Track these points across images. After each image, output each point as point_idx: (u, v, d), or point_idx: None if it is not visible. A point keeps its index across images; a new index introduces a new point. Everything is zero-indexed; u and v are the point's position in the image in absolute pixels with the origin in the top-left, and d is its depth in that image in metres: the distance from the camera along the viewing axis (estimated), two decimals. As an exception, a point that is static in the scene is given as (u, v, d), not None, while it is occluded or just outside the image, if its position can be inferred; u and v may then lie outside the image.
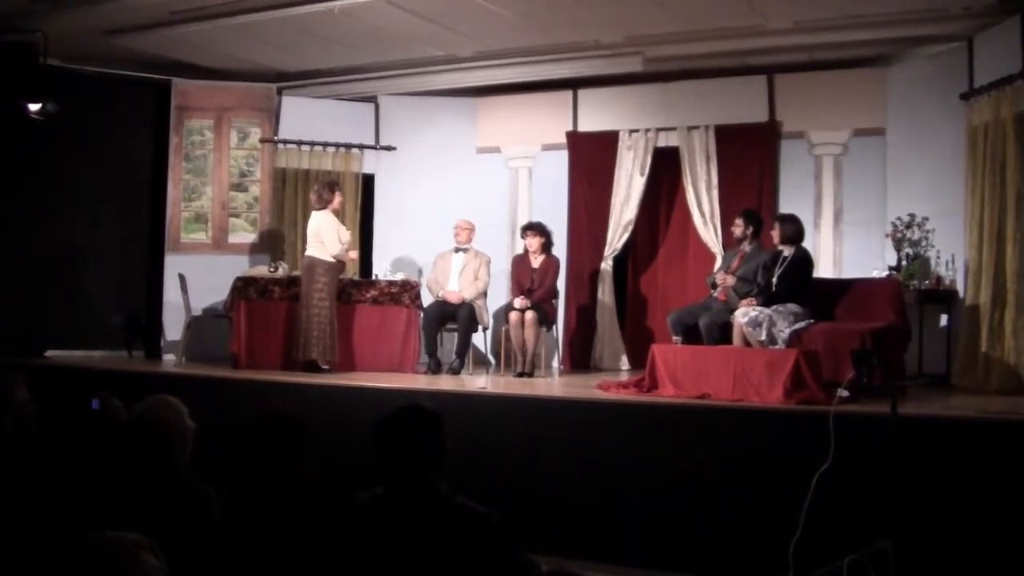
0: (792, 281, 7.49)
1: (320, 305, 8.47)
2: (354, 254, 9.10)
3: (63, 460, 3.40)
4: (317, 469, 3.32)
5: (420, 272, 9.91)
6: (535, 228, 9.10)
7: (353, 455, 3.84)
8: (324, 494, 3.19)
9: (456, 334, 8.98)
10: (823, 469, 5.41)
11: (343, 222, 9.06)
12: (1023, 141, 7.43)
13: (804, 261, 7.62)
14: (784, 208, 8.94)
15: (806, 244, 7.89)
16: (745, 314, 7.30)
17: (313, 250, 8.59)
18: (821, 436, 5.48)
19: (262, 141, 10.33)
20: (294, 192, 10.38)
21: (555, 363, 9.70)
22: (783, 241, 7.67)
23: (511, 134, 10.57)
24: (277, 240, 10.24)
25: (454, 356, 8.89)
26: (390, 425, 3.00)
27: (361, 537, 2.89)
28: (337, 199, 8.73)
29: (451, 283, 9.14)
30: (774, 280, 7.57)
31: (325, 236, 8.53)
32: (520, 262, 9.18)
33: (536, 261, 9.07)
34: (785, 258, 7.62)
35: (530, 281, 8.98)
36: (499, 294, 9.65)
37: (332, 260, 8.55)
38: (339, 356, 8.60)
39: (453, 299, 8.94)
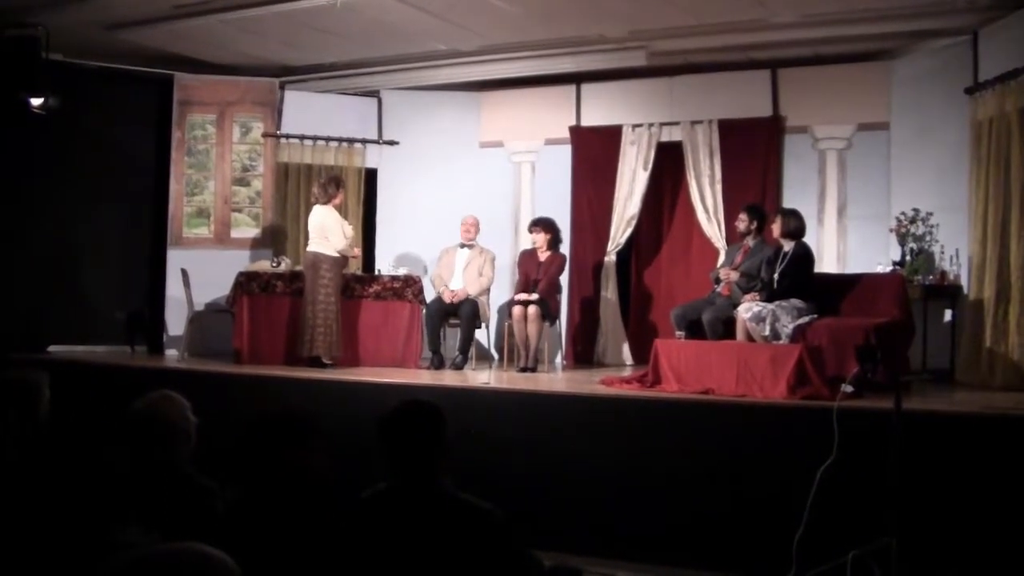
0: (793, 277, 7.47)
1: (326, 301, 8.47)
2: (358, 251, 9.07)
3: (73, 455, 3.41)
4: (326, 464, 3.33)
5: (425, 269, 9.91)
6: (542, 224, 9.09)
7: (356, 451, 3.85)
8: (330, 490, 3.19)
9: (459, 329, 8.98)
10: (827, 465, 5.42)
11: (345, 218, 9.05)
12: (1028, 136, 7.43)
13: (805, 256, 7.60)
14: (788, 203, 8.91)
15: (810, 239, 7.88)
16: (748, 309, 7.30)
17: (317, 245, 8.59)
18: (825, 432, 5.49)
19: (264, 136, 10.33)
20: (296, 187, 10.37)
21: (558, 358, 9.69)
22: (784, 235, 7.65)
23: (514, 128, 10.56)
24: (280, 235, 10.24)
25: (457, 352, 8.89)
26: (390, 421, 3.00)
27: (364, 533, 2.89)
28: (340, 195, 8.73)
29: (455, 279, 9.14)
30: (776, 276, 7.57)
31: (330, 231, 8.52)
32: (528, 257, 9.17)
33: (543, 256, 9.07)
34: (786, 254, 7.60)
35: (536, 274, 8.98)
36: (503, 289, 9.65)
37: (336, 255, 8.55)
38: (343, 351, 8.61)
39: (448, 298, 8.93)
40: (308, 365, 8.41)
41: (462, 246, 9.27)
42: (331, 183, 8.73)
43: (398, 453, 2.95)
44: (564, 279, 9.60)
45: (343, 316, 8.66)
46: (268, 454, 3.32)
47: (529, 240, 9.30)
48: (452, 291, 9.00)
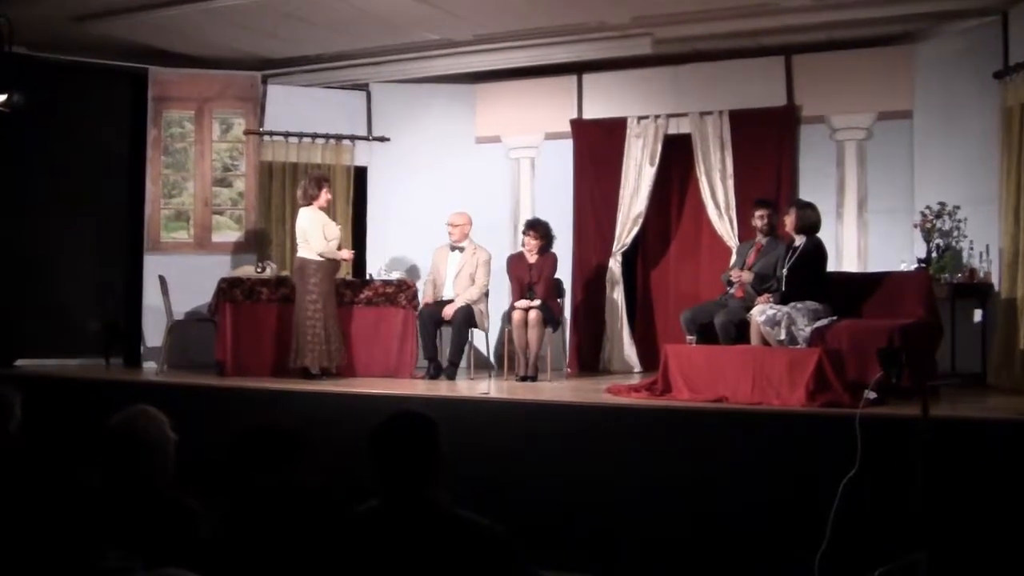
0: (805, 275, 7.45)
1: (313, 308, 8.47)
2: (348, 254, 9.02)
3: (46, 476, 3.41)
4: (316, 481, 3.33)
5: (419, 273, 9.92)
6: (537, 229, 9.03)
7: (348, 466, 3.85)
8: (319, 507, 3.19)
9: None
10: (850, 476, 5.42)
11: (333, 219, 9.05)
12: (1061, 123, 7.43)
13: (816, 252, 7.57)
14: (804, 197, 8.88)
15: (828, 235, 7.87)
16: (762, 312, 7.29)
17: (302, 250, 8.60)
18: (847, 441, 5.48)
19: (246, 133, 10.33)
20: (281, 187, 10.36)
21: (562, 366, 9.69)
22: (799, 230, 7.62)
23: (512, 123, 10.56)
24: (264, 238, 10.24)
25: (447, 362, 8.88)
26: (381, 434, 3.00)
27: (355, 553, 2.89)
28: (324, 195, 8.68)
29: (447, 286, 9.14)
30: (784, 273, 7.54)
31: (310, 234, 8.52)
32: (517, 261, 9.15)
33: (532, 259, 9.05)
34: (796, 248, 7.58)
35: (529, 277, 8.97)
36: (502, 294, 9.65)
37: (322, 259, 8.54)
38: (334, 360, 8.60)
39: (444, 313, 8.95)
40: (298, 376, 8.42)
41: (452, 248, 9.27)
42: (312, 183, 8.71)
43: (390, 467, 2.95)
44: (567, 282, 9.61)
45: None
46: (253, 473, 3.32)
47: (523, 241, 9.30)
48: (446, 303, 8.99)
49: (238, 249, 10.18)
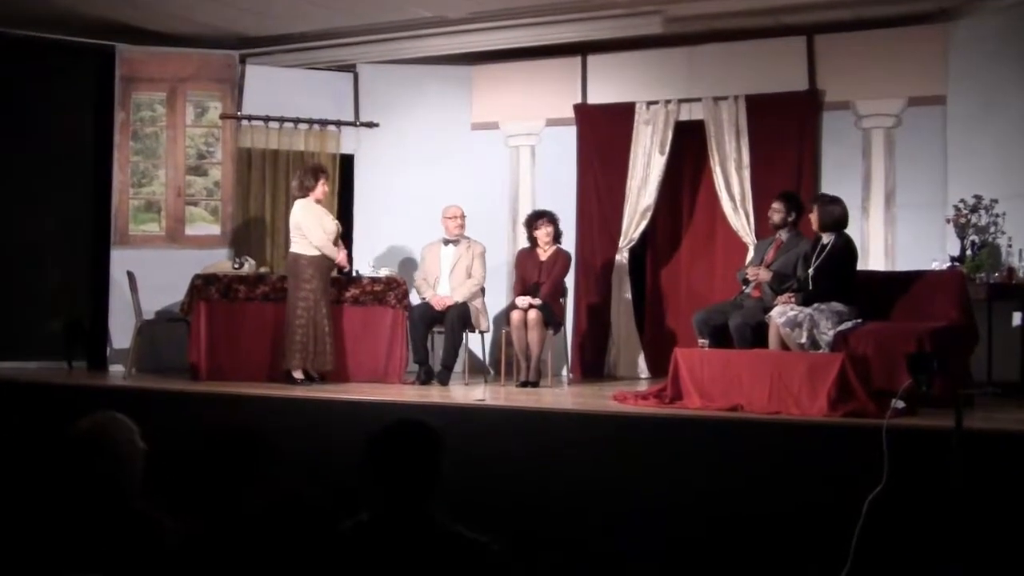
0: (832, 274, 7.43)
1: (303, 306, 8.47)
2: (343, 255, 8.94)
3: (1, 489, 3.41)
4: (296, 493, 3.33)
5: (414, 265, 9.93)
6: (550, 216, 9.11)
7: (329, 477, 3.85)
8: (306, 522, 3.19)
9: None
10: (875, 493, 5.42)
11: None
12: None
13: (845, 250, 7.56)
14: (827, 190, 8.88)
15: (854, 231, 7.86)
16: (782, 313, 7.28)
17: (296, 245, 8.63)
18: (873, 454, 5.49)
19: (223, 117, 10.32)
20: (261, 176, 10.36)
21: (564, 371, 9.69)
22: (824, 227, 7.62)
23: (511, 108, 10.57)
24: (242, 231, 10.23)
25: (440, 366, 8.88)
26: (384, 443, 3.01)
27: (344, 570, 2.89)
28: (321, 187, 8.69)
29: (442, 282, 9.14)
30: (811, 273, 7.54)
31: (305, 228, 8.53)
32: (527, 256, 9.16)
33: (545, 254, 9.06)
34: (824, 246, 7.58)
35: (538, 276, 8.98)
36: (499, 293, 9.65)
37: (317, 254, 8.54)
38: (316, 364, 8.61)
39: (437, 305, 8.94)
40: (281, 381, 8.44)
41: (446, 242, 9.27)
42: (309, 174, 8.74)
43: (389, 479, 2.95)
44: (569, 280, 9.60)
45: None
46: (221, 481, 3.32)
47: (525, 237, 9.29)
48: (440, 297, 8.99)
49: (213, 243, 10.17)
